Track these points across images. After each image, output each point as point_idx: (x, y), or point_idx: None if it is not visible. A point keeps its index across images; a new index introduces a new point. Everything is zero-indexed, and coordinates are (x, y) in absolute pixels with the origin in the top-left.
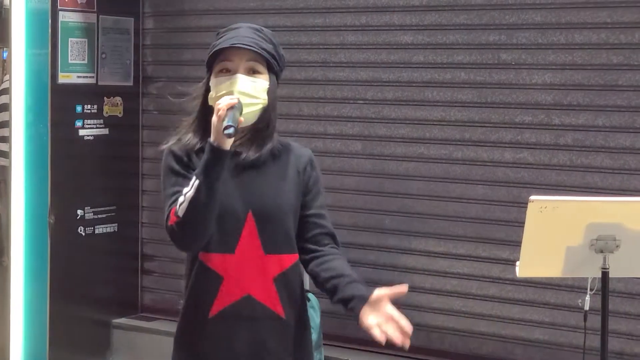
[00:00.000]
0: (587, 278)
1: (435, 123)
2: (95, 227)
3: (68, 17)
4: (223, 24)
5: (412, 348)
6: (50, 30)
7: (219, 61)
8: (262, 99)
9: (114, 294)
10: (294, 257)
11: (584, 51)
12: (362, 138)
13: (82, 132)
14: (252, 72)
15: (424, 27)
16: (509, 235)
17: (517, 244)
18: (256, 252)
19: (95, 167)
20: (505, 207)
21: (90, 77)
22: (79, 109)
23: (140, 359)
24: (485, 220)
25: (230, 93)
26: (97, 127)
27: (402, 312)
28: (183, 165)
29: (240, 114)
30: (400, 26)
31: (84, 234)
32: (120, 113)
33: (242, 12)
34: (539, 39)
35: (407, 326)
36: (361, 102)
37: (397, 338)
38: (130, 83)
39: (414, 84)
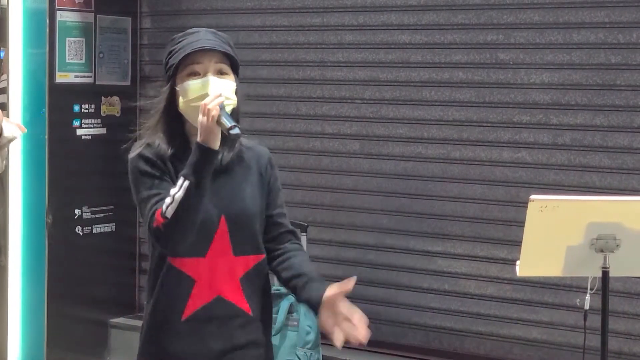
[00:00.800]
0: (586, 278)
1: (433, 123)
2: (93, 226)
3: (65, 17)
4: (220, 23)
5: (410, 347)
6: (47, 30)
7: (185, 65)
8: (234, 100)
9: (112, 293)
10: (259, 257)
11: (582, 51)
12: (360, 137)
13: (79, 132)
14: (221, 73)
15: (422, 26)
16: (507, 234)
17: (515, 243)
18: (226, 254)
19: (92, 167)
20: (503, 207)
21: (87, 76)
22: (76, 108)
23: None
24: (483, 219)
25: (205, 96)
26: (94, 127)
27: (400, 312)
28: (157, 168)
29: (228, 113)
30: (398, 26)
31: (81, 233)
32: (117, 112)
33: (239, 12)
34: (537, 39)
35: (360, 322)
36: (359, 101)
37: (353, 337)
38: (128, 82)
39: (411, 84)
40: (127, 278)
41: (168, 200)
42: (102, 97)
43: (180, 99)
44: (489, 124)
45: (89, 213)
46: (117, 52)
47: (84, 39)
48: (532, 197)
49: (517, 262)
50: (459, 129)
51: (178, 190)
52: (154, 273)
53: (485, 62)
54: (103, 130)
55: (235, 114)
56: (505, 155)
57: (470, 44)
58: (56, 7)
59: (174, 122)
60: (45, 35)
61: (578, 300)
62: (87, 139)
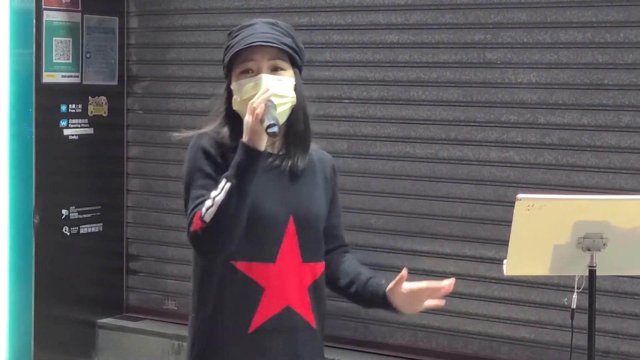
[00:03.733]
0: (573, 277)
1: (420, 122)
2: (80, 227)
3: (52, 16)
4: (208, 23)
5: (398, 347)
6: (34, 30)
7: (238, 62)
8: (291, 97)
9: (99, 294)
10: (323, 265)
11: (569, 50)
12: (347, 137)
13: (66, 132)
14: (276, 69)
15: (410, 26)
16: (494, 234)
17: (503, 242)
18: (295, 260)
19: (80, 167)
20: (491, 206)
21: (74, 76)
22: (63, 108)
23: (125, 359)
24: (471, 219)
25: None
26: (81, 127)
27: (388, 311)
28: (216, 167)
29: (275, 111)
30: (385, 25)
31: (69, 233)
32: (105, 112)
33: (226, 12)
34: (525, 38)
35: (431, 284)
36: (347, 101)
37: (441, 293)
38: (115, 82)
39: (399, 83)
40: (115, 278)
41: (208, 202)
42: (89, 97)
43: (235, 98)
44: (476, 124)
45: (77, 213)
46: (104, 51)
47: (71, 39)
48: (519, 196)
49: (504, 262)
50: (446, 128)
51: (219, 192)
52: (208, 279)
53: (473, 61)
54: (90, 130)
55: (296, 113)
56: (493, 154)
57: (458, 44)
58: (43, 6)
59: (236, 121)
60: (32, 35)
61: (565, 299)
62: (74, 139)
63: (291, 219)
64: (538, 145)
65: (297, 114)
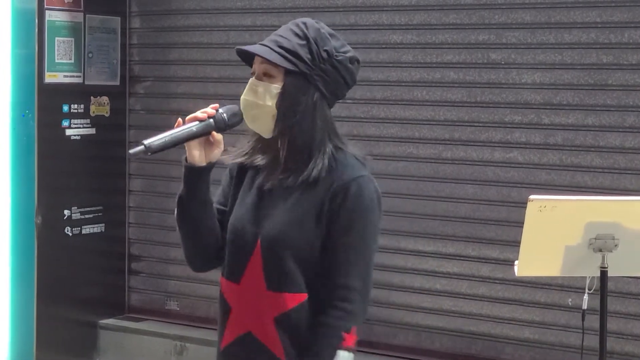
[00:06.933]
0: (578, 278)
1: (424, 122)
2: (82, 227)
3: (54, 16)
4: (210, 23)
5: (402, 348)
6: (36, 30)
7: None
8: (266, 106)
9: (101, 294)
10: (300, 297)
11: (573, 51)
12: (351, 137)
13: (68, 132)
14: (265, 75)
15: (413, 26)
16: (498, 234)
17: (506, 243)
18: (259, 286)
19: (82, 167)
20: (494, 207)
21: (77, 76)
22: (65, 108)
23: (127, 359)
24: (474, 219)
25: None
26: (83, 127)
27: (392, 312)
28: (227, 177)
29: (221, 127)
30: (389, 25)
31: (70, 234)
32: (107, 113)
33: (229, 12)
34: (529, 39)
35: None
36: (350, 101)
37: None
38: (117, 82)
39: (403, 84)
40: (117, 279)
41: None
42: (92, 97)
43: None
44: (480, 124)
45: (78, 214)
46: (106, 52)
47: (73, 39)
48: (531, 197)
49: (516, 262)
50: (450, 129)
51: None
52: None
53: (477, 62)
54: (92, 131)
55: (288, 126)
56: (497, 155)
57: (462, 44)
58: (45, 6)
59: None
60: (34, 35)
61: (570, 300)
62: (76, 139)
63: (259, 241)
64: (542, 145)
65: (292, 127)
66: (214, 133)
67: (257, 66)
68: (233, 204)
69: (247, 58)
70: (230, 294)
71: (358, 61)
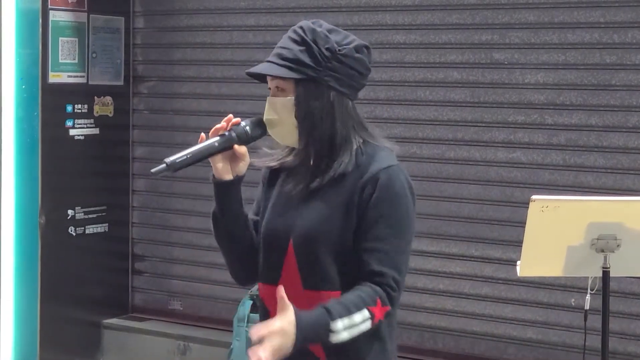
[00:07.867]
0: (580, 278)
1: (427, 123)
2: (86, 227)
3: (58, 17)
4: (213, 23)
5: (405, 348)
6: (40, 30)
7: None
8: (288, 119)
9: (105, 294)
10: (337, 295)
11: (577, 51)
12: None
13: (72, 132)
14: (279, 90)
15: (417, 26)
16: (501, 234)
17: (510, 243)
18: (296, 285)
19: (85, 167)
20: (498, 207)
21: (80, 76)
22: (69, 108)
23: (130, 359)
24: (478, 219)
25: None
26: (87, 127)
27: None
28: (261, 183)
29: (243, 140)
30: (392, 25)
31: (74, 234)
32: (110, 113)
33: (232, 12)
34: (532, 39)
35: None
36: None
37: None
38: (121, 82)
39: (406, 84)
40: (120, 279)
41: None
42: (95, 97)
43: None
44: (483, 124)
45: (82, 213)
46: (110, 51)
47: (77, 39)
48: (534, 197)
49: (518, 263)
50: (453, 129)
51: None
52: None
53: (480, 62)
54: (96, 131)
55: (308, 132)
56: (500, 155)
57: (465, 44)
58: (49, 6)
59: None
60: (38, 35)
61: (573, 300)
62: (80, 139)
63: (291, 240)
64: (545, 145)
65: (313, 132)
66: (237, 146)
67: (270, 83)
68: (265, 208)
69: (260, 76)
70: (270, 297)
71: (367, 47)
